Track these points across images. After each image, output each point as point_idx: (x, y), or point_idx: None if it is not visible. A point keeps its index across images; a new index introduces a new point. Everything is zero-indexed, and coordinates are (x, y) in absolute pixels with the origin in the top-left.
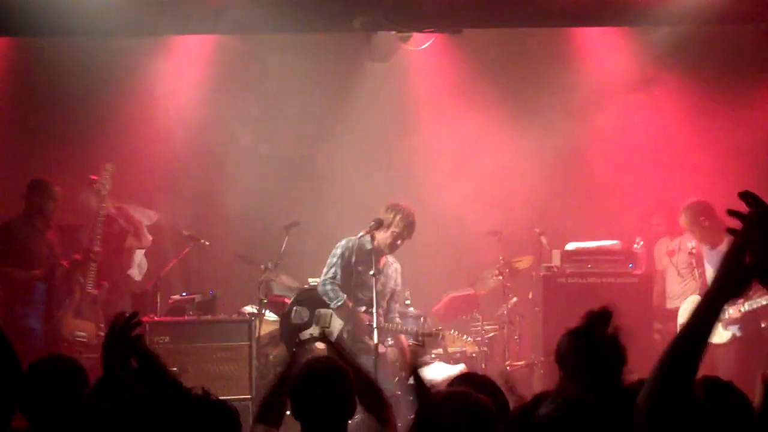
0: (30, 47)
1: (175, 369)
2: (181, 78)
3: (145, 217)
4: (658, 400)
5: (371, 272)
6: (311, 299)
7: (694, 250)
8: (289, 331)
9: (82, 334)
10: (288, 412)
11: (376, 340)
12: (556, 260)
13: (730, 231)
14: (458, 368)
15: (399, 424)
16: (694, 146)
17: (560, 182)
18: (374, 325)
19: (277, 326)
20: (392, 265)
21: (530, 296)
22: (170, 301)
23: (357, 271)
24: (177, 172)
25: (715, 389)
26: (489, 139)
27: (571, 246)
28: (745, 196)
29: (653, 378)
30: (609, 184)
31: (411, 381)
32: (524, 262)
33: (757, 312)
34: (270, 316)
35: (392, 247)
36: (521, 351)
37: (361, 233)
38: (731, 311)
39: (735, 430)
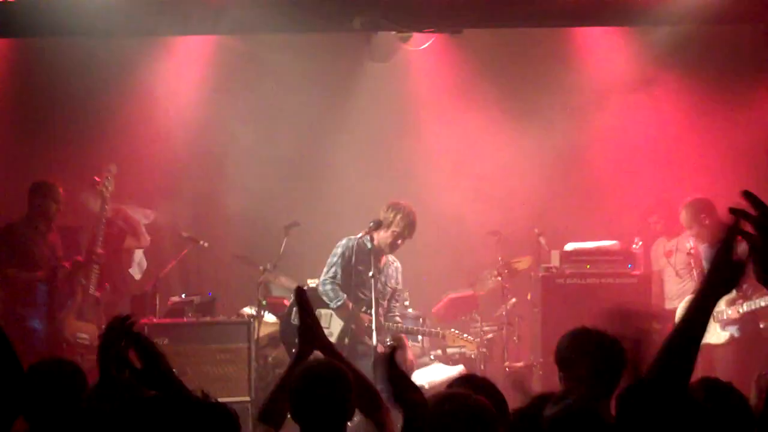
0: (30, 47)
1: (174, 371)
2: (181, 78)
3: (143, 216)
4: (655, 400)
5: (370, 273)
6: (311, 300)
7: (692, 251)
8: (290, 332)
9: (84, 335)
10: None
11: (374, 342)
12: (555, 261)
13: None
14: (457, 369)
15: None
16: (694, 146)
17: (560, 182)
18: (373, 327)
19: (275, 328)
20: (393, 264)
21: (529, 297)
22: (169, 302)
23: (357, 271)
24: (176, 172)
25: (715, 390)
26: (489, 140)
27: (570, 246)
28: (749, 196)
29: (649, 377)
30: (608, 184)
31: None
32: (523, 263)
33: (755, 313)
34: (269, 317)
35: (393, 247)
36: (520, 352)
37: (360, 234)
38: (730, 312)
39: (734, 431)
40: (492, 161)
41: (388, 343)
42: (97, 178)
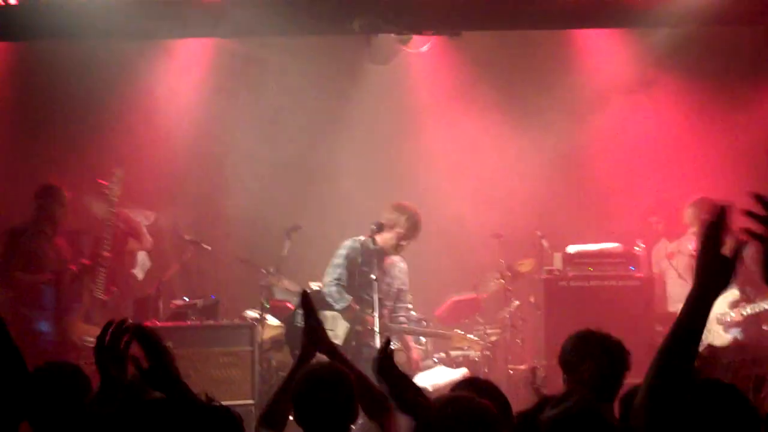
0: (30, 50)
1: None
2: (181, 80)
3: (143, 217)
4: (655, 401)
5: (373, 275)
6: (316, 302)
7: (694, 252)
8: (294, 335)
9: (91, 339)
10: (290, 418)
11: (377, 344)
12: (557, 263)
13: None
14: (460, 372)
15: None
16: (694, 147)
17: (561, 184)
18: (376, 329)
19: (279, 331)
20: (398, 264)
21: (532, 299)
22: (172, 305)
23: (362, 272)
24: (177, 174)
25: (717, 392)
26: (489, 141)
27: (572, 249)
28: (758, 197)
29: (649, 378)
30: (609, 186)
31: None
32: (526, 265)
33: (759, 316)
34: (272, 320)
35: (397, 248)
36: (523, 355)
37: (362, 237)
38: (733, 314)
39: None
40: (492, 163)
41: (382, 345)
42: (104, 182)
